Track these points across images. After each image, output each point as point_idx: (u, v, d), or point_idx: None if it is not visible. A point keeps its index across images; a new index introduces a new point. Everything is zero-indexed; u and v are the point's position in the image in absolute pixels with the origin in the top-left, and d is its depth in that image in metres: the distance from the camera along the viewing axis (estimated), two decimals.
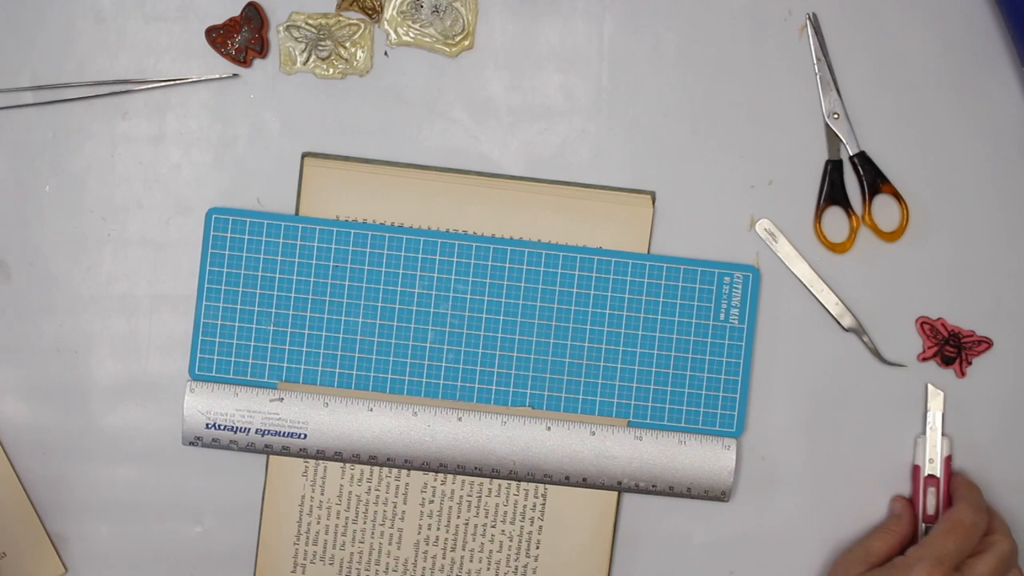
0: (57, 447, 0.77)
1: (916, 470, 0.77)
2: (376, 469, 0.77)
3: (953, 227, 0.78)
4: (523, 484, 0.77)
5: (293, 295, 0.76)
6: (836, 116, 0.77)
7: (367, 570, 0.77)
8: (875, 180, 0.77)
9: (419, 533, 0.77)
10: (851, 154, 0.77)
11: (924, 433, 0.77)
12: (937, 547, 0.70)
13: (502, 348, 0.77)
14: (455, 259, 0.76)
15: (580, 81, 0.78)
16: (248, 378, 0.76)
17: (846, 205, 0.77)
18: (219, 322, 0.76)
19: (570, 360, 0.76)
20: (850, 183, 0.78)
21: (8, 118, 0.77)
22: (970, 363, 0.77)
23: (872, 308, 0.78)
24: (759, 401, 0.78)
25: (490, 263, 0.77)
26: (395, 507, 0.77)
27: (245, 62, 0.77)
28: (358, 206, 0.77)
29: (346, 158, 0.77)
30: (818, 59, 0.77)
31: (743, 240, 0.78)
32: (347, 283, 0.76)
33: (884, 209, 0.78)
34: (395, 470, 0.77)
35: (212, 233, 0.76)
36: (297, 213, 0.77)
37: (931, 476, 0.77)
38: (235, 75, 0.78)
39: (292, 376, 0.76)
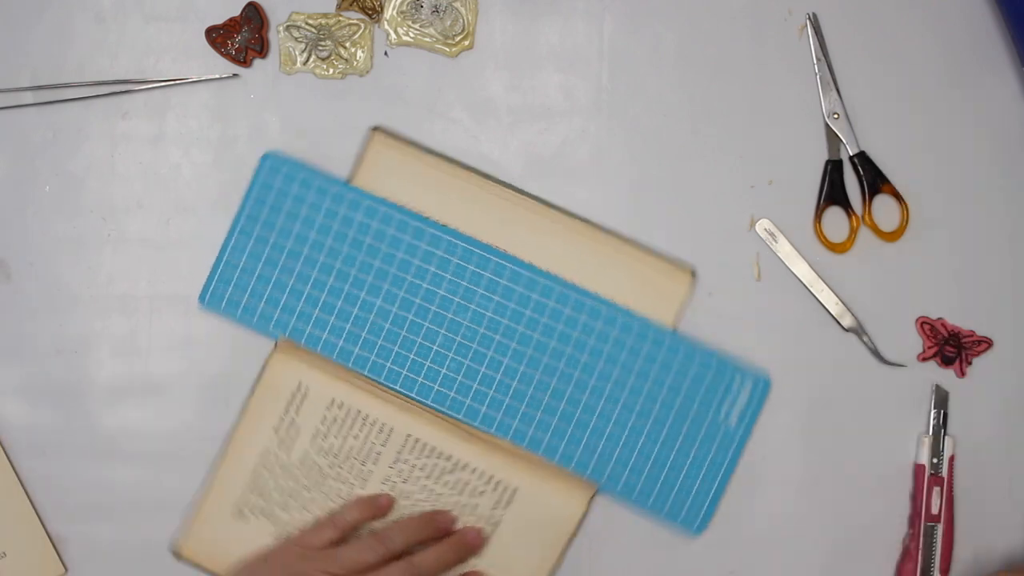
0: (57, 447, 0.77)
1: (919, 469, 0.77)
2: (346, 447, 0.76)
3: (953, 227, 0.78)
4: (494, 479, 0.76)
5: (321, 258, 0.76)
6: (836, 116, 0.77)
7: None
8: (875, 180, 0.77)
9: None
10: (851, 154, 0.77)
11: (928, 432, 0.77)
12: None
13: (504, 374, 0.76)
14: (487, 274, 0.76)
15: (580, 81, 0.78)
16: (253, 322, 0.76)
17: (846, 205, 0.77)
18: (242, 263, 0.76)
19: (565, 407, 0.76)
20: (850, 183, 0.78)
21: (8, 118, 0.77)
22: (970, 363, 0.77)
23: (872, 308, 0.77)
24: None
25: (519, 289, 0.76)
26: (352, 488, 0.76)
27: (245, 62, 0.77)
28: (410, 194, 0.76)
29: (415, 144, 0.77)
30: (818, 59, 0.77)
31: (743, 240, 0.78)
32: (376, 263, 0.76)
33: (884, 209, 0.78)
34: (362, 456, 0.76)
35: (262, 176, 0.76)
36: (350, 183, 0.77)
37: (935, 476, 0.76)
38: (235, 75, 0.78)
39: (296, 335, 0.76)
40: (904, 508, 0.78)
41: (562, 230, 0.76)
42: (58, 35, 0.77)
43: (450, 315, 0.76)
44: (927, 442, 0.77)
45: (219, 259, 0.76)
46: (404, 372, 0.76)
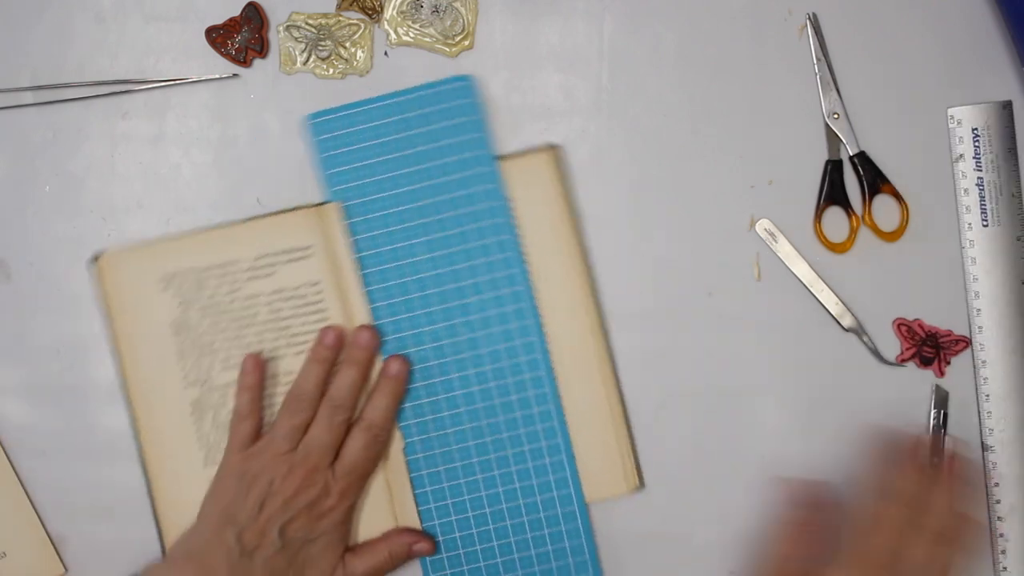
0: (57, 447, 0.77)
1: None
2: (292, 325, 0.76)
3: (953, 227, 0.78)
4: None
5: (421, 184, 0.75)
6: (836, 116, 0.77)
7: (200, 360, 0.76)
8: (875, 180, 0.77)
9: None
10: (851, 154, 0.77)
11: (928, 432, 0.77)
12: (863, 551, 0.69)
13: (447, 404, 0.76)
14: (512, 323, 0.76)
15: (580, 81, 0.78)
16: (326, 172, 0.76)
17: (846, 205, 0.77)
18: (367, 124, 0.76)
19: (460, 464, 0.76)
20: (850, 183, 0.78)
21: (8, 118, 0.77)
22: (948, 363, 0.77)
23: (872, 308, 0.77)
24: (759, 398, 0.77)
25: (521, 359, 0.76)
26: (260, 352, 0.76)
27: (245, 62, 0.77)
28: (527, 213, 0.76)
29: (566, 184, 0.76)
30: (818, 59, 0.77)
31: (743, 240, 0.78)
32: (452, 231, 0.76)
33: (884, 209, 0.78)
34: (295, 342, 0.76)
35: (445, 89, 0.76)
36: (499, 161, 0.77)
37: None
38: (235, 75, 0.78)
39: (348, 211, 0.76)
40: None
41: (593, 359, 0.76)
42: (58, 35, 0.77)
43: (457, 319, 0.76)
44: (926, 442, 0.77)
45: (357, 104, 0.76)
46: (388, 319, 0.76)
